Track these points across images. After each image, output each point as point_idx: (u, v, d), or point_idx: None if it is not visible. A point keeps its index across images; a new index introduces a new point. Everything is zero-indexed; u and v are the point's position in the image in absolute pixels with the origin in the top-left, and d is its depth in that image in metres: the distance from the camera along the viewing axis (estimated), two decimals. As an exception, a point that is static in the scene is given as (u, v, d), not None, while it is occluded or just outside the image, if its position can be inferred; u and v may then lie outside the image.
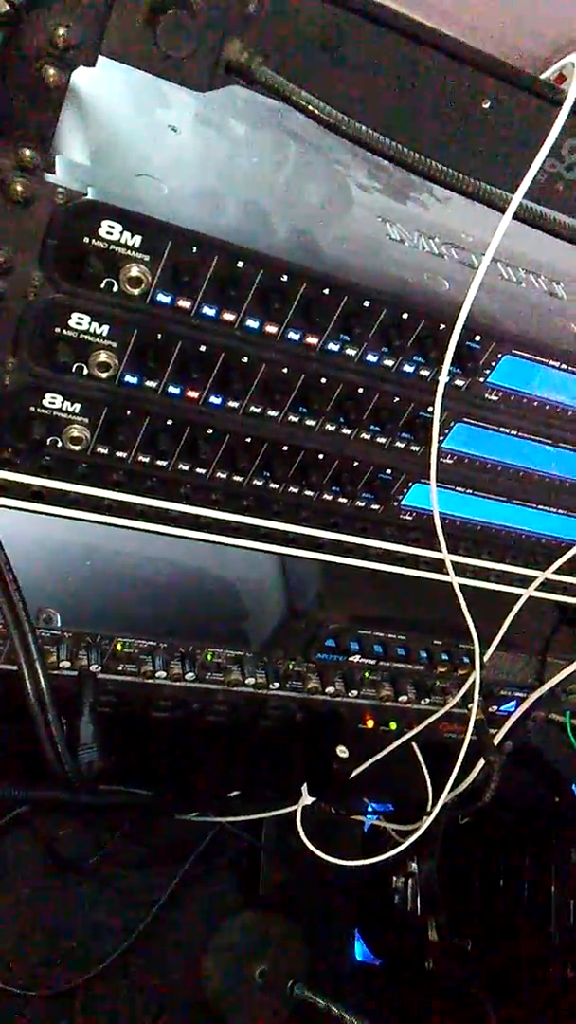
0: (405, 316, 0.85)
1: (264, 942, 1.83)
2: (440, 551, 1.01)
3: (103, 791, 1.36)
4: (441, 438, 0.96)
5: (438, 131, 0.86)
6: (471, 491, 1.03)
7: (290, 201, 0.84)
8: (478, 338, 0.88)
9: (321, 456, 0.94)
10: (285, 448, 0.92)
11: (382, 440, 0.94)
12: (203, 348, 0.82)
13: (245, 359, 0.84)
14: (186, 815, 1.62)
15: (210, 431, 0.89)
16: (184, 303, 0.78)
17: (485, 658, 1.20)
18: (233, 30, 0.74)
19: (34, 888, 1.82)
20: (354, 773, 1.28)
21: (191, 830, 1.87)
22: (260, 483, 0.94)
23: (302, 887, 1.95)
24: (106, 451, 0.87)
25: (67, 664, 1.04)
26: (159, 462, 0.89)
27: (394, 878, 1.92)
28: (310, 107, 0.71)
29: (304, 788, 1.28)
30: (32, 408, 0.82)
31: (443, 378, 0.86)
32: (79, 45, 0.66)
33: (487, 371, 0.92)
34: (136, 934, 1.83)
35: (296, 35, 0.79)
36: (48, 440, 0.84)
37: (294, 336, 0.83)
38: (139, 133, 0.80)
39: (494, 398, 0.95)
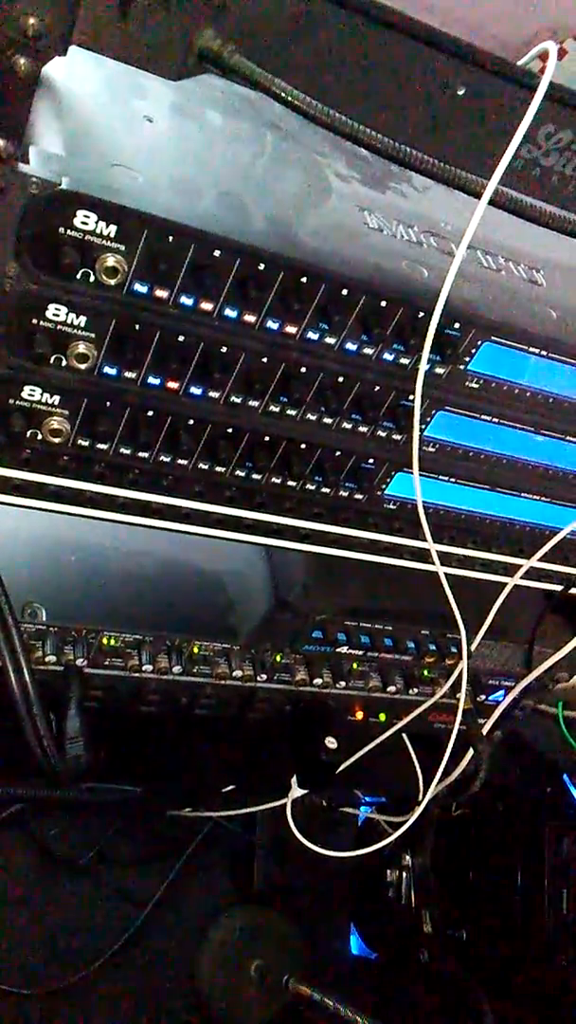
0: (384, 304, 0.85)
1: (259, 937, 1.83)
2: (425, 540, 1.01)
3: (93, 788, 1.36)
4: (423, 426, 0.96)
5: (414, 118, 0.86)
6: (454, 479, 1.03)
7: (267, 190, 0.84)
8: (457, 325, 0.88)
9: (303, 446, 0.94)
10: (267, 438, 0.92)
11: (364, 429, 0.94)
12: (181, 338, 0.82)
13: (224, 349, 0.84)
14: (178, 811, 1.62)
15: (191, 422, 0.88)
16: (161, 293, 0.78)
17: (472, 647, 1.20)
18: (205, 18, 0.74)
19: (27, 887, 1.82)
20: (344, 765, 1.28)
21: (184, 826, 1.88)
22: (242, 474, 0.94)
23: (297, 881, 1.95)
24: (87, 443, 0.86)
25: (53, 659, 1.04)
26: (140, 454, 0.89)
27: (388, 871, 1.93)
28: (283, 94, 0.71)
29: (294, 781, 1.28)
30: (11, 401, 0.82)
31: (423, 365, 0.86)
32: (50, 34, 0.65)
33: (467, 358, 0.92)
34: (131, 931, 1.83)
35: (270, 23, 0.79)
36: (28, 433, 0.84)
37: (273, 325, 0.83)
38: (114, 123, 0.79)
39: (475, 385, 0.94)
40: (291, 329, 0.84)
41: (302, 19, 0.80)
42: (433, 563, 1.03)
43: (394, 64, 0.84)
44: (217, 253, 0.77)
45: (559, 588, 1.20)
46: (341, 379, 0.90)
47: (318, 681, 1.20)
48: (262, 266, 0.79)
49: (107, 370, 0.82)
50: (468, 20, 1.03)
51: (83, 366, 0.80)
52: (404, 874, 1.91)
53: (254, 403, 0.89)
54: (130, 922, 1.83)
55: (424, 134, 0.86)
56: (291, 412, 0.90)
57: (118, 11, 0.71)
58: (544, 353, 0.94)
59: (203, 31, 0.74)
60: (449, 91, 0.85)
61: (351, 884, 2.01)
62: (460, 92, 0.85)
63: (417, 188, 0.98)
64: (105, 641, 1.08)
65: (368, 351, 0.88)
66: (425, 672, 1.26)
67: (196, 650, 1.13)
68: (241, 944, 1.81)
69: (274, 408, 0.90)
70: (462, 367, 0.92)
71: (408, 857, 1.91)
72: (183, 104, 0.85)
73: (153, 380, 0.84)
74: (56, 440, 0.85)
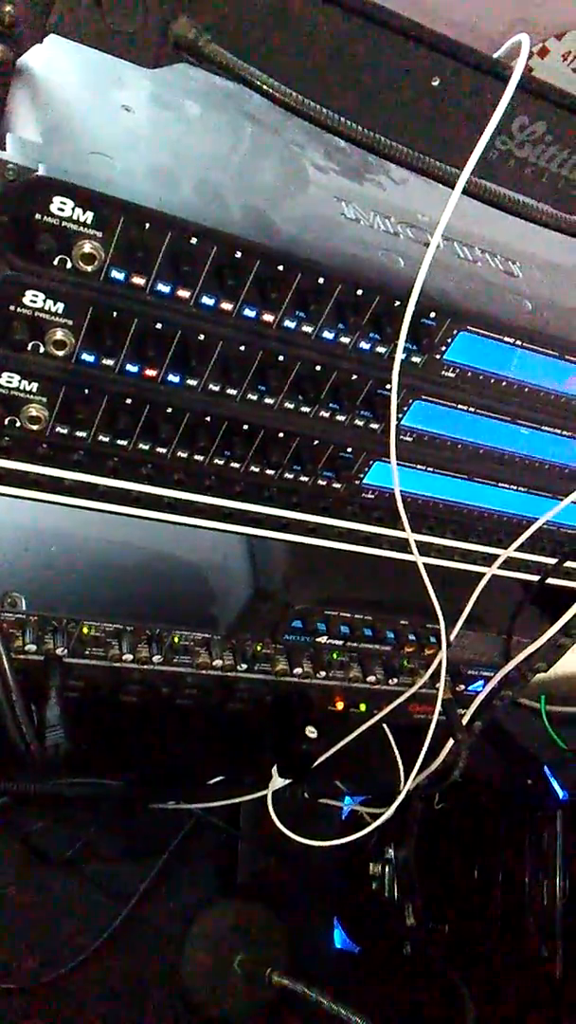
0: (360, 293, 0.86)
1: (243, 931, 1.84)
2: (403, 530, 1.02)
3: (76, 782, 1.37)
4: (400, 416, 0.97)
5: (389, 108, 0.87)
6: (432, 469, 1.04)
7: (245, 180, 0.85)
8: (433, 314, 0.89)
9: (281, 434, 0.94)
10: (245, 427, 0.93)
11: (341, 418, 0.95)
12: (159, 326, 0.82)
13: (202, 337, 0.84)
14: (161, 804, 1.63)
15: (169, 410, 0.89)
16: (138, 280, 0.78)
17: (451, 637, 1.21)
18: (181, 7, 0.74)
19: (10, 882, 1.82)
20: (324, 756, 1.29)
21: (168, 819, 1.88)
22: (221, 462, 0.94)
23: (280, 875, 1.96)
24: (65, 431, 0.87)
25: (33, 648, 1.04)
26: (119, 442, 0.89)
27: (371, 865, 1.94)
28: (257, 82, 0.72)
29: (275, 771, 1.29)
30: (-11, 388, 0.82)
31: (399, 355, 0.87)
32: (25, 21, 0.66)
33: (443, 348, 0.92)
34: (114, 926, 1.83)
35: (246, 13, 0.79)
36: (6, 420, 0.84)
37: (250, 313, 0.84)
38: (92, 112, 0.80)
39: (451, 375, 0.95)
40: (268, 317, 0.85)
41: (278, 9, 0.81)
42: (412, 553, 1.04)
43: (370, 55, 0.85)
44: (194, 241, 0.78)
45: (536, 578, 1.21)
46: (318, 368, 0.90)
47: (298, 671, 1.20)
48: (239, 254, 0.80)
49: (85, 357, 0.82)
50: (449, 17, 1.04)
51: (61, 353, 0.80)
52: (387, 868, 1.92)
53: (232, 391, 0.89)
54: (114, 916, 1.84)
55: (400, 124, 0.86)
56: (269, 401, 0.91)
57: (94, -1, 0.72)
58: (519, 343, 0.95)
59: (179, 19, 0.74)
60: (424, 82, 0.86)
61: (335, 878, 2.01)
62: (435, 83, 0.86)
63: (395, 180, 0.99)
64: (85, 631, 1.08)
65: (345, 340, 0.88)
66: (405, 662, 1.27)
67: (176, 640, 1.14)
68: (224, 938, 1.82)
69: (252, 396, 0.90)
70: (438, 356, 0.93)
71: (391, 851, 1.92)
72: (161, 94, 0.85)
73: (131, 368, 0.84)
74: (34, 428, 0.85)
